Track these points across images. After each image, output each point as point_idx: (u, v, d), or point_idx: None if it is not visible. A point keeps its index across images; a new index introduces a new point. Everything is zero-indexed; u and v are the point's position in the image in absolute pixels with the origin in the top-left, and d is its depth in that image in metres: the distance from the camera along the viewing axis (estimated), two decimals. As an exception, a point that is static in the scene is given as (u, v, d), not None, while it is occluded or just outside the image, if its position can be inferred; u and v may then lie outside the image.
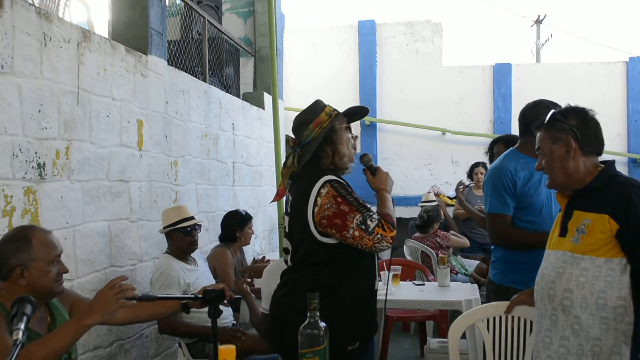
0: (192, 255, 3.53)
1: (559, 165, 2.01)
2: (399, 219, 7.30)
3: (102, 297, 1.93)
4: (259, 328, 2.95)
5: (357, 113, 2.34)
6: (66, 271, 2.06)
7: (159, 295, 2.46)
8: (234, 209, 4.63)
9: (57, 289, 2.03)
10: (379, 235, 2.08)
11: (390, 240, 2.12)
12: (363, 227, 2.08)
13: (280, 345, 2.27)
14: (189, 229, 3.43)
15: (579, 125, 1.98)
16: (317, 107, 2.28)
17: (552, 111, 2.06)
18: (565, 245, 1.99)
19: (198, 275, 3.42)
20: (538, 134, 2.09)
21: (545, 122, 2.05)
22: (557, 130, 2.00)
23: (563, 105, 2.16)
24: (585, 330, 1.91)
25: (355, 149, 2.34)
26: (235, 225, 4.18)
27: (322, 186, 2.14)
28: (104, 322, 2.02)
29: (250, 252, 5.69)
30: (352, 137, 2.33)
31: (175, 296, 2.20)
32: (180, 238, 3.42)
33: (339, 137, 2.25)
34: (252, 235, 4.41)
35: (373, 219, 2.09)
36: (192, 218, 3.49)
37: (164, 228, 3.45)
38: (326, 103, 2.33)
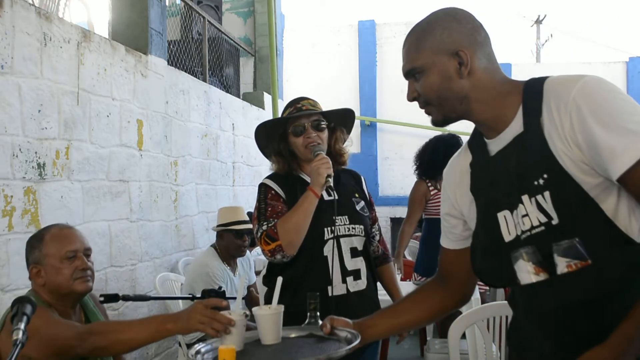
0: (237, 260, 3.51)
1: None
2: (399, 219, 7.33)
3: (194, 312, 1.58)
4: None
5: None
6: (87, 267, 1.87)
7: (151, 296, 2.44)
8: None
9: (78, 287, 1.85)
10: (261, 249, 1.98)
11: (269, 254, 1.94)
12: (256, 237, 2.01)
13: None
14: (241, 232, 3.41)
15: None
16: None
17: None
18: None
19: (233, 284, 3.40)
20: None
21: None
22: None
23: None
24: None
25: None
26: None
27: (258, 189, 2.13)
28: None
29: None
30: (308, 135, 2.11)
31: (170, 296, 2.15)
32: (230, 239, 3.42)
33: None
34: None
35: (259, 231, 1.97)
36: (246, 222, 3.46)
37: (218, 226, 3.45)
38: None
